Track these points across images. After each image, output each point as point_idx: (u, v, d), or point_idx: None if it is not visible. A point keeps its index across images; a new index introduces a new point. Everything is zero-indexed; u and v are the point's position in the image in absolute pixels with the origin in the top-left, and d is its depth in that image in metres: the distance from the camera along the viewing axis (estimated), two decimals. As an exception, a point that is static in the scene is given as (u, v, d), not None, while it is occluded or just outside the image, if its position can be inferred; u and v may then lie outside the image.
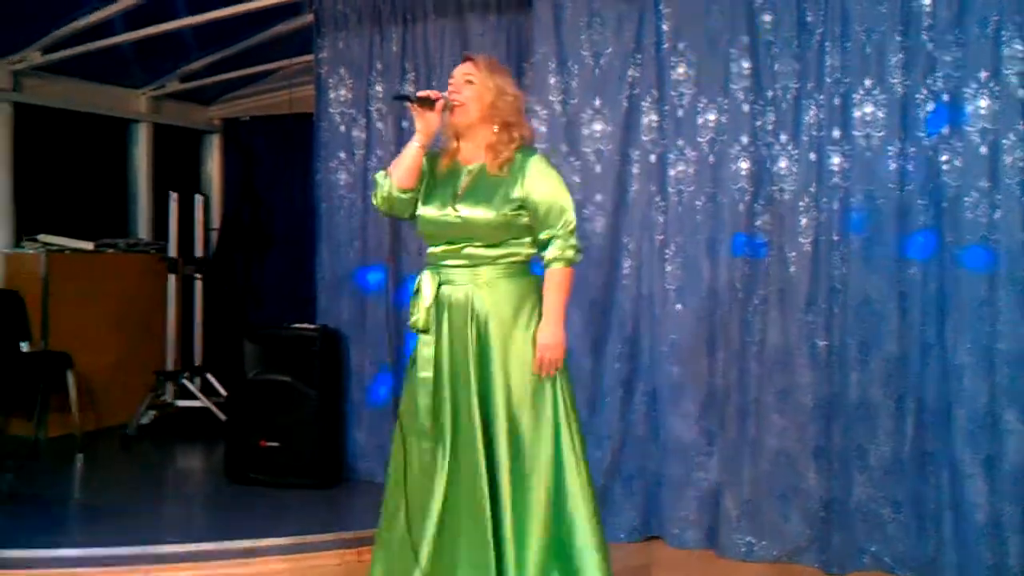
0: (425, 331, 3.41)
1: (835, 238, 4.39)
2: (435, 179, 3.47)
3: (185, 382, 6.96)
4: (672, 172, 4.72)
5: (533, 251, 3.44)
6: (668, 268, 4.72)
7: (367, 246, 5.48)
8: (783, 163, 4.51)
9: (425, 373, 3.41)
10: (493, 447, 3.33)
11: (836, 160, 4.40)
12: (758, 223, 4.56)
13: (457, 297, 3.37)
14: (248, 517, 4.92)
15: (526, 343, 3.37)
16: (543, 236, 3.38)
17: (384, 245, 5.39)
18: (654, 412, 4.78)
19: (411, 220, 3.53)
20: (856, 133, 4.36)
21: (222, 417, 6.33)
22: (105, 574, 4.28)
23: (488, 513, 3.29)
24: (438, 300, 3.39)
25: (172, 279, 7.15)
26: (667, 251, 4.72)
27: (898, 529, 4.31)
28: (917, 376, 4.27)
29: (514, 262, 3.41)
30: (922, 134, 4.26)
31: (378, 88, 5.47)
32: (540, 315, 3.40)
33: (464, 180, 3.41)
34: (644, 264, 4.80)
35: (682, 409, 4.69)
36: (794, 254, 4.48)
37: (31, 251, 6.60)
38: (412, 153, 3.39)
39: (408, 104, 3.40)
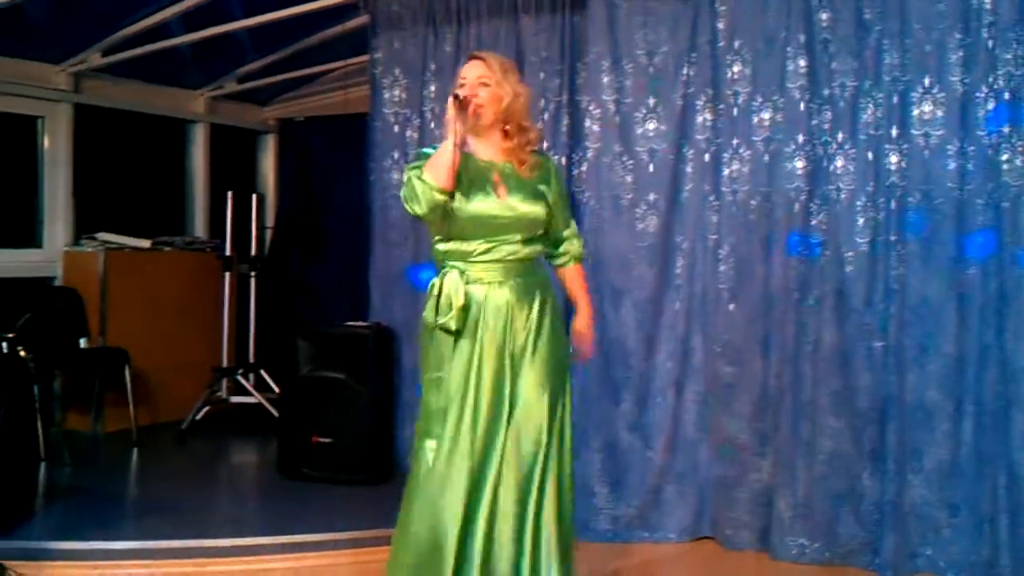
0: (458, 332, 3.34)
1: (892, 238, 4.34)
2: (462, 175, 3.32)
3: (239, 379, 7.02)
4: (726, 171, 4.69)
5: (543, 249, 3.52)
6: (721, 268, 4.69)
7: (420, 245, 5.49)
8: (840, 162, 4.46)
9: (442, 373, 3.38)
10: (525, 445, 3.33)
11: (894, 159, 4.35)
12: (813, 223, 4.52)
13: (493, 295, 3.34)
14: (300, 512, 4.96)
15: (554, 336, 3.42)
16: (565, 233, 3.57)
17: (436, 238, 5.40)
18: (706, 412, 4.75)
19: (436, 222, 3.36)
20: (914, 132, 4.31)
21: (275, 413, 6.37)
22: (159, 566, 4.32)
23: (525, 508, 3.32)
24: (468, 298, 3.34)
25: (227, 277, 7.21)
26: (720, 251, 4.69)
27: (954, 533, 4.25)
28: (975, 378, 4.20)
29: (536, 260, 3.48)
30: (982, 133, 4.20)
31: (432, 88, 5.48)
32: (557, 311, 3.48)
33: (495, 177, 3.38)
34: (697, 263, 4.78)
35: (735, 410, 4.66)
36: (850, 254, 4.43)
37: (90, 249, 6.69)
38: (449, 152, 3.20)
39: (456, 105, 3.29)
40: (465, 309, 3.33)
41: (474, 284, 3.35)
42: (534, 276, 3.43)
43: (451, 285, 3.34)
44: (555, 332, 3.43)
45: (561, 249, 3.58)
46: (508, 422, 3.31)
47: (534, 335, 3.36)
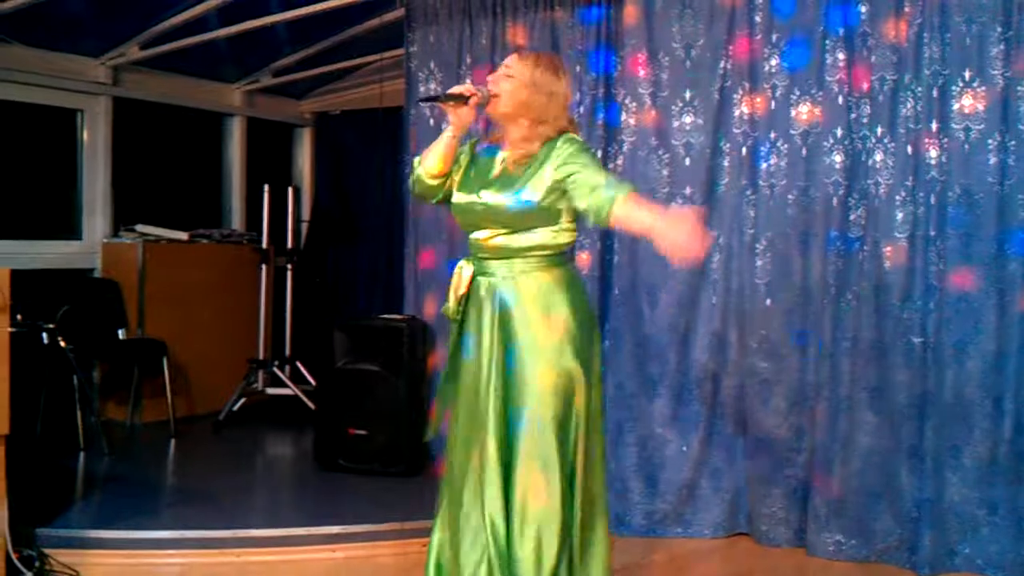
0: (457, 320, 3.41)
1: (932, 233, 4.30)
2: (474, 167, 3.44)
3: (276, 370, 7.07)
4: (763, 165, 4.67)
5: (566, 241, 3.37)
6: (758, 263, 4.67)
7: (454, 239, 5.49)
8: (879, 156, 4.43)
9: (461, 360, 3.44)
10: (513, 450, 3.30)
11: (933, 153, 4.30)
12: (852, 217, 4.48)
13: (485, 288, 3.36)
14: (336, 503, 4.98)
15: (554, 339, 3.28)
16: (582, 206, 3.21)
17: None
18: (742, 407, 4.73)
19: (437, 204, 3.55)
20: (954, 126, 4.27)
21: (311, 405, 6.41)
22: (196, 556, 4.36)
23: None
24: (472, 289, 3.39)
25: (264, 269, 7.26)
26: (757, 245, 4.67)
27: (993, 531, 4.21)
28: (1015, 375, 4.17)
29: (543, 254, 3.34)
30: (1023, 127, 4.15)
31: (468, 82, 5.47)
32: (572, 311, 3.31)
33: (497, 169, 3.39)
34: (734, 258, 4.76)
35: (771, 405, 4.64)
36: (889, 249, 4.40)
37: (128, 241, 6.75)
38: (444, 141, 3.36)
39: (439, 104, 3.39)
40: (466, 299, 3.39)
41: (481, 275, 3.39)
42: (548, 271, 3.34)
43: (458, 274, 3.43)
44: (559, 326, 3.31)
45: (594, 212, 3.19)
46: (504, 417, 3.30)
47: (535, 327, 3.29)
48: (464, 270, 3.42)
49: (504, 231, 3.33)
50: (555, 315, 3.30)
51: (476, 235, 3.39)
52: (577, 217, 3.36)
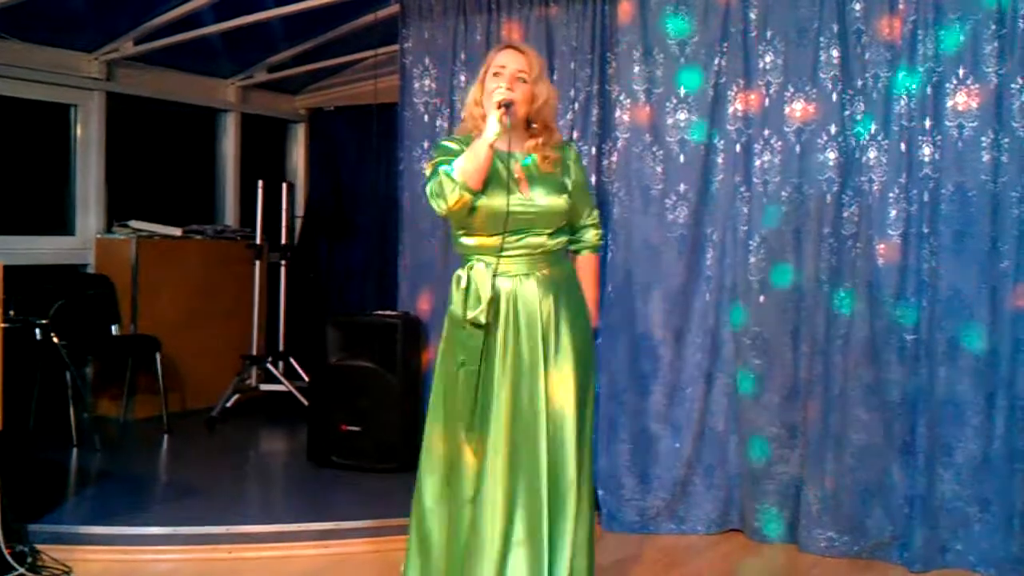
0: (483, 325, 3.28)
1: (925, 230, 4.30)
2: (495, 170, 3.30)
3: (269, 367, 7.07)
4: (757, 162, 4.67)
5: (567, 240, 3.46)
6: (752, 259, 4.66)
7: (449, 235, 5.48)
8: (872, 153, 4.42)
9: (473, 366, 3.31)
10: (560, 438, 3.28)
11: (927, 151, 4.30)
12: (845, 214, 4.48)
13: (521, 288, 3.29)
14: (329, 500, 4.99)
15: (584, 330, 3.39)
16: (582, 222, 3.48)
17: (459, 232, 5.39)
18: (735, 404, 4.73)
19: (457, 218, 3.33)
20: (948, 123, 4.27)
21: (304, 401, 6.41)
22: (189, 552, 4.36)
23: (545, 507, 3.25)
24: (495, 292, 3.28)
25: (257, 265, 7.25)
26: (751, 242, 4.67)
27: (984, 527, 4.22)
28: (1008, 372, 4.17)
29: (562, 251, 3.43)
30: (1017, 124, 4.15)
31: (462, 78, 5.47)
32: (583, 302, 3.46)
33: (517, 171, 3.33)
34: (727, 255, 4.75)
35: (764, 402, 4.64)
36: (882, 246, 4.40)
37: (122, 236, 6.74)
38: (485, 152, 3.18)
39: (502, 110, 3.28)
40: (493, 302, 3.28)
41: (501, 277, 3.29)
42: (561, 268, 3.39)
43: (479, 278, 3.29)
44: (583, 325, 3.39)
45: (577, 236, 3.48)
46: (544, 413, 3.26)
47: (566, 326, 3.31)
48: (482, 272, 3.29)
49: (547, 230, 3.32)
50: (581, 307, 3.42)
51: (509, 236, 3.26)
52: None
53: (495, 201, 3.24)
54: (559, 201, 3.33)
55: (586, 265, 3.52)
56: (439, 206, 3.23)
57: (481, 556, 3.25)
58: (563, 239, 3.40)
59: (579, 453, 3.29)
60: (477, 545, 3.27)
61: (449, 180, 3.18)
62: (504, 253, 3.28)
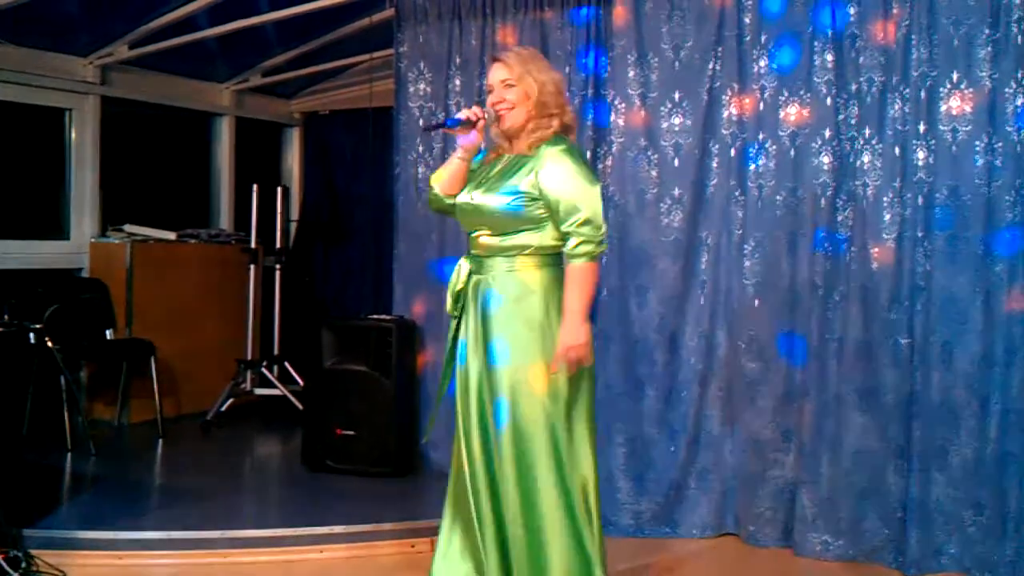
0: (456, 316, 3.48)
1: (919, 234, 4.31)
2: (480, 170, 3.49)
3: (264, 371, 7.06)
4: (752, 166, 4.67)
5: (551, 244, 3.33)
6: (747, 263, 4.67)
7: (444, 238, 5.50)
8: (866, 157, 4.44)
9: (447, 355, 3.55)
10: (498, 444, 3.33)
11: (921, 155, 4.32)
12: (839, 218, 4.50)
13: (474, 285, 3.41)
14: (324, 504, 4.97)
15: (535, 336, 3.29)
16: (562, 230, 3.27)
17: (461, 237, 5.38)
18: (729, 408, 4.74)
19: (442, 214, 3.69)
20: (942, 127, 4.28)
21: (299, 405, 6.41)
22: (183, 556, 4.36)
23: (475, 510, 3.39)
24: (467, 286, 3.44)
25: (252, 269, 7.25)
26: (746, 246, 4.67)
27: (979, 531, 4.22)
28: (1002, 376, 4.18)
29: (529, 253, 3.32)
30: (1010, 128, 4.17)
31: (457, 82, 5.49)
32: (546, 310, 3.31)
33: (495, 170, 3.43)
34: (722, 259, 4.76)
35: (758, 405, 4.64)
36: (877, 250, 4.41)
37: (116, 241, 6.73)
38: (454, 165, 3.46)
39: (444, 130, 3.42)
40: (459, 296, 3.45)
41: (474, 274, 3.43)
42: (530, 271, 3.32)
43: (456, 271, 3.48)
44: (524, 333, 3.30)
45: (565, 246, 3.29)
46: (490, 409, 3.33)
47: (511, 333, 3.31)
48: (462, 267, 3.47)
49: (490, 231, 3.37)
50: (535, 313, 3.31)
51: (471, 233, 3.45)
52: None
53: (458, 199, 3.47)
54: (494, 200, 3.33)
55: (567, 275, 3.29)
56: (428, 200, 3.57)
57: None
58: (522, 242, 3.32)
59: (516, 465, 3.29)
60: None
61: (429, 188, 3.54)
62: (473, 250, 3.45)
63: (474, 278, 3.42)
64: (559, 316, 3.29)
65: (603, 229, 3.28)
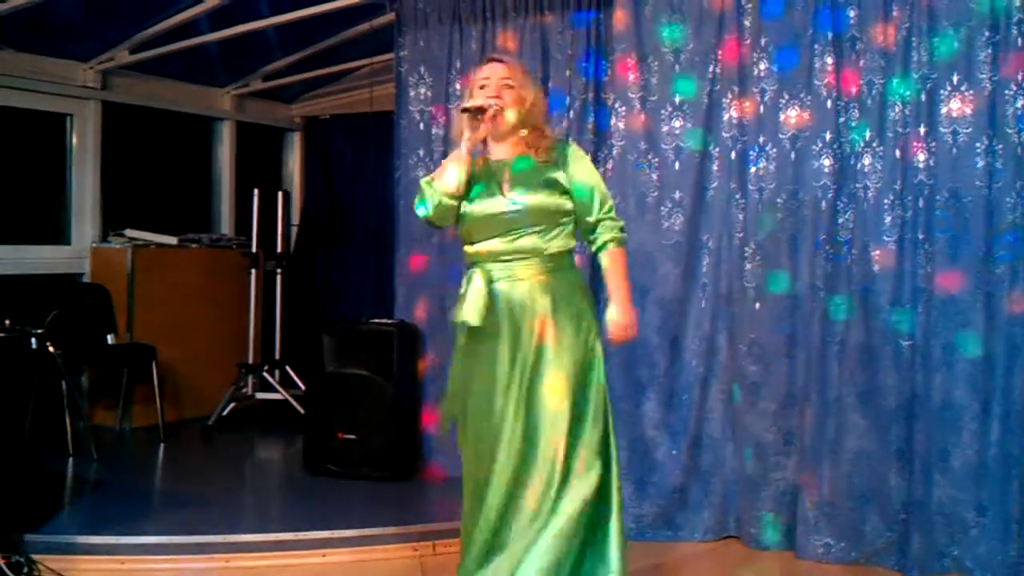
0: (481, 330, 3.37)
1: (920, 236, 4.31)
2: (473, 179, 3.43)
3: (265, 375, 7.06)
4: (753, 169, 4.67)
5: (573, 246, 3.44)
6: (748, 266, 4.67)
7: (445, 242, 5.50)
8: (867, 160, 4.44)
9: (481, 368, 3.41)
10: (534, 445, 3.32)
11: (921, 157, 4.32)
12: (840, 221, 4.49)
13: (515, 291, 3.35)
14: (325, 508, 4.97)
15: (578, 337, 3.38)
16: (590, 220, 3.40)
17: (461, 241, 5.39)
18: (731, 411, 4.74)
19: (448, 227, 3.55)
20: (942, 129, 4.28)
21: (301, 410, 6.41)
22: (185, 561, 4.35)
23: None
24: (491, 296, 3.36)
25: (253, 274, 7.26)
26: (747, 249, 4.67)
27: (981, 533, 4.22)
28: (1004, 378, 4.17)
29: (564, 253, 3.40)
30: (1011, 130, 4.16)
31: (457, 86, 5.49)
32: (590, 307, 3.46)
33: (505, 174, 3.41)
34: (723, 262, 4.76)
35: (760, 408, 4.64)
36: (877, 252, 4.41)
37: (117, 245, 6.74)
38: (461, 157, 3.37)
39: (471, 115, 3.37)
40: (488, 308, 3.34)
41: (497, 282, 3.36)
42: (570, 271, 3.43)
43: (475, 285, 3.37)
44: (576, 333, 3.38)
45: (595, 234, 3.42)
46: (528, 422, 3.31)
47: (557, 333, 3.33)
48: (479, 278, 3.37)
49: (536, 230, 3.35)
50: (582, 313, 3.41)
51: (500, 239, 3.36)
52: None
53: (480, 207, 3.38)
54: (540, 197, 3.34)
55: (611, 261, 3.42)
56: (419, 211, 3.44)
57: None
58: (562, 240, 3.38)
59: (566, 468, 3.29)
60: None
61: (429, 187, 3.38)
62: (499, 258, 3.36)
63: (505, 285, 3.36)
64: (593, 314, 3.45)
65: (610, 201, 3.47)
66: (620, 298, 3.41)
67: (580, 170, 3.41)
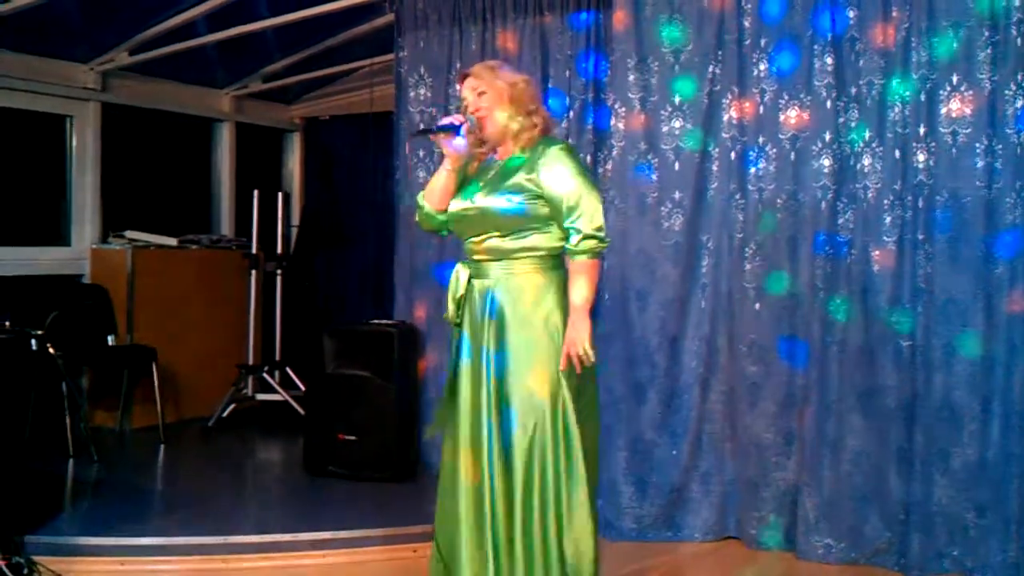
0: (457, 324, 3.46)
1: (920, 237, 4.31)
2: (467, 179, 3.50)
3: (265, 376, 7.06)
4: (752, 170, 4.67)
5: (559, 245, 3.37)
6: (747, 267, 4.67)
7: (444, 243, 5.48)
8: (867, 160, 4.44)
9: (451, 365, 3.52)
10: (509, 451, 3.31)
11: (921, 157, 4.32)
12: (840, 221, 4.49)
13: (479, 291, 3.40)
14: (326, 509, 4.97)
15: (545, 340, 3.31)
16: (564, 226, 3.32)
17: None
18: (731, 411, 4.74)
19: (447, 235, 3.66)
20: (942, 130, 4.28)
21: (301, 411, 6.41)
22: (185, 562, 4.36)
23: (488, 520, 3.32)
24: (467, 293, 3.43)
25: (253, 275, 7.26)
26: (747, 249, 4.67)
27: (981, 533, 4.22)
28: (1004, 378, 4.17)
29: (537, 256, 3.36)
30: (1010, 131, 4.16)
31: (457, 87, 5.46)
32: (562, 312, 3.33)
33: (491, 174, 3.44)
34: (723, 262, 4.76)
35: (760, 409, 4.64)
36: (877, 253, 4.41)
37: (117, 247, 6.73)
38: (443, 178, 3.45)
39: (431, 136, 3.41)
40: (460, 303, 3.44)
41: (475, 278, 3.43)
42: (541, 273, 3.36)
43: (455, 278, 3.47)
44: (535, 335, 3.33)
45: (567, 242, 3.33)
46: (499, 418, 3.32)
47: (525, 335, 3.32)
48: (460, 274, 3.46)
49: (497, 233, 3.36)
50: (547, 316, 3.34)
51: (471, 239, 3.43)
52: None
53: (454, 206, 3.46)
54: (499, 202, 3.33)
55: (572, 271, 3.35)
56: (417, 219, 3.62)
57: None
58: (532, 243, 3.35)
59: (527, 471, 3.29)
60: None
61: (419, 207, 3.56)
62: (474, 256, 3.44)
63: (477, 283, 3.42)
64: (566, 316, 3.33)
65: (603, 227, 3.31)
66: (573, 310, 3.30)
67: (552, 176, 3.31)
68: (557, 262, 3.41)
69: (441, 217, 3.50)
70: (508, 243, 3.35)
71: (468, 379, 3.40)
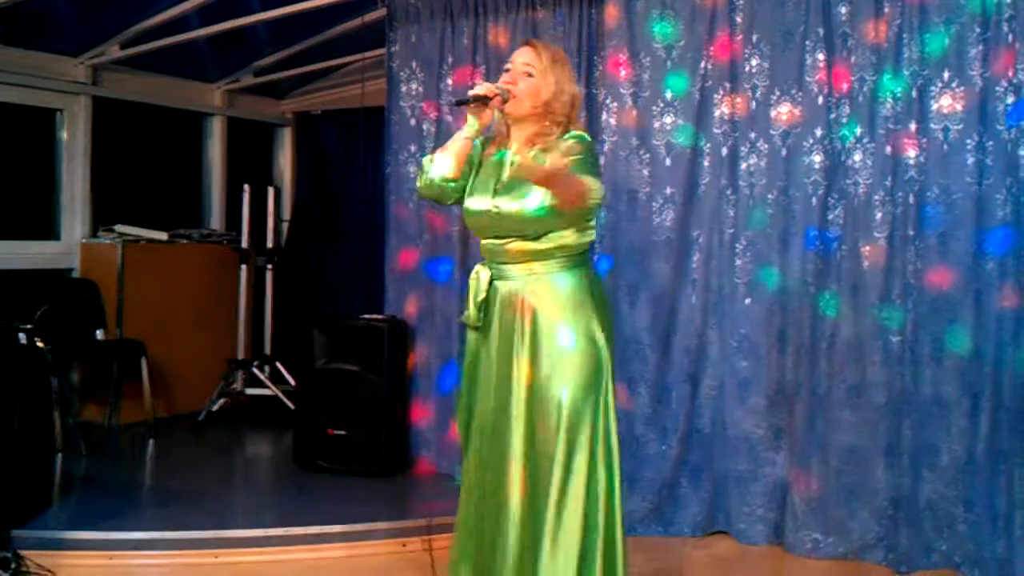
0: (476, 327, 3.33)
1: (910, 232, 4.32)
2: (481, 169, 3.35)
3: (255, 371, 7.05)
4: (744, 165, 4.68)
5: (586, 239, 3.28)
6: (738, 262, 4.68)
7: (436, 238, 5.50)
8: (858, 156, 4.45)
9: (469, 367, 3.39)
10: (533, 458, 3.18)
11: (912, 153, 4.33)
12: (831, 217, 4.50)
13: (506, 293, 3.26)
14: (315, 504, 4.97)
15: (576, 344, 3.18)
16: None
17: (453, 237, 5.40)
18: (721, 406, 4.74)
19: (451, 206, 3.49)
20: (933, 126, 4.29)
21: (291, 405, 6.40)
22: (174, 556, 4.35)
23: (516, 530, 3.18)
24: (490, 295, 3.30)
25: (244, 269, 7.25)
26: (737, 245, 4.68)
27: (969, 528, 4.23)
28: (993, 374, 4.18)
29: (566, 255, 3.23)
30: (1001, 127, 4.17)
31: (449, 82, 5.49)
32: (596, 314, 3.22)
33: (507, 171, 3.29)
34: (714, 258, 4.77)
35: (750, 404, 4.65)
36: (868, 248, 4.42)
37: (107, 241, 6.72)
38: (459, 143, 3.27)
39: (465, 106, 3.25)
40: (484, 305, 3.30)
41: (498, 280, 3.29)
42: (570, 272, 3.24)
43: (476, 280, 3.32)
44: (569, 336, 3.19)
45: None
46: (525, 417, 3.20)
47: (555, 338, 3.19)
48: (481, 275, 3.31)
49: (520, 235, 3.21)
50: (587, 323, 3.21)
51: (492, 240, 3.29)
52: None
53: (472, 204, 3.31)
54: (522, 206, 3.18)
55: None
56: (418, 184, 3.40)
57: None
58: (559, 243, 3.21)
59: (564, 476, 3.14)
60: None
61: (428, 161, 3.33)
62: (498, 257, 3.29)
63: (501, 286, 3.27)
64: (606, 316, 3.27)
65: (600, 192, 3.13)
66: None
67: (572, 160, 3.14)
68: (584, 258, 3.31)
69: (445, 184, 3.29)
70: (533, 245, 3.21)
71: (494, 388, 3.26)
